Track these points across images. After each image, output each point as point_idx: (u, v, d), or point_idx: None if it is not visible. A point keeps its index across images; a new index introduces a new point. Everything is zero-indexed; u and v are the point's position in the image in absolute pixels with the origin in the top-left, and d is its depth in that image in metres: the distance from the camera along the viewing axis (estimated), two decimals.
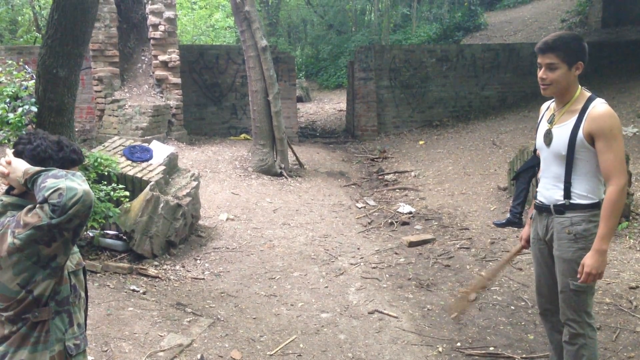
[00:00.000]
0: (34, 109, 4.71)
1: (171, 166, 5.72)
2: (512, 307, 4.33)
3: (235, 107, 10.81)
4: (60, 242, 1.79)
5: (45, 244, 1.78)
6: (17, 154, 1.95)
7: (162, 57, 9.05)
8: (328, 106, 16.61)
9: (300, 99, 16.04)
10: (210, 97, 10.71)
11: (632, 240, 5.39)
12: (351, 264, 5.26)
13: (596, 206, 2.75)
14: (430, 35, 19.00)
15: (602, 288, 4.53)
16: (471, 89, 12.01)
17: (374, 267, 5.19)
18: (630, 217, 5.77)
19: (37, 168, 1.86)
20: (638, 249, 5.24)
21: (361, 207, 7.17)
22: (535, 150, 6.09)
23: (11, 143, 4.83)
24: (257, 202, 6.87)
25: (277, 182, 7.85)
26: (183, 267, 4.90)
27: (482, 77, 12.03)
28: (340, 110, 15.00)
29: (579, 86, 2.83)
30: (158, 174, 5.35)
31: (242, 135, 10.45)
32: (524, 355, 3.61)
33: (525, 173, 6.02)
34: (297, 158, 8.82)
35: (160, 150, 5.74)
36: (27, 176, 1.83)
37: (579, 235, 2.75)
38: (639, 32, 13.38)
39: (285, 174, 8.12)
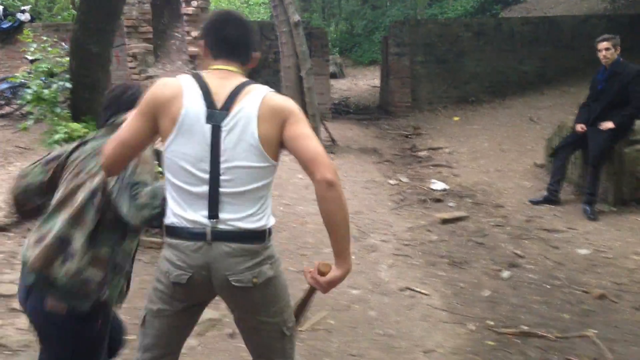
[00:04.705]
0: (69, 85, 4.78)
1: None
2: (547, 286, 4.25)
3: (268, 83, 10.68)
4: None
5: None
6: (115, 99, 2.24)
7: (195, 33, 9.05)
8: (362, 82, 16.47)
9: (334, 75, 15.91)
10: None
11: None
12: (383, 240, 5.22)
13: None
14: (468, 8, 18.54)
15: (634, 265, 4.40)
16: (508, 63, 11.68)
17: (405, 245, 5.14)
18: None
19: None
20: None
21: (394, 184, 7.10)
22: (574, 127, 5.95)
23: (48, 119, 4.91)
24: (288, 179, 6.86)
25: None
26: None
27: (520, 51, 11.69)
28: (374, 87, 14.83)
29: None
30: None
31: None
32: (557, 335, 3.54)
33: (564, 150, 5.90)
34: (329, 134, 8.77)
35: None
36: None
37: None
38: None
39: None
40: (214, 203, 1.87)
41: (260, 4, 23.53)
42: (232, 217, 1.87)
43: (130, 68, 8.80)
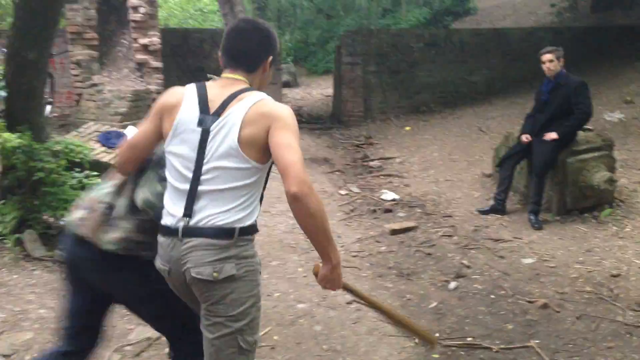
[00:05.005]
0: (3, 93, 4.58)
1: None
2: (493, 296, 4.27)
3: None
4: None
5: None
6: None
7: (142, 41, 8.85)
8: (315, 91, 16.46)
9: (287, 84, 15.86)
10: (194, 82, 10.48)
11: (615, 228, 5.34)
12: None
13: None
14: (420, 19, 18.80)
15: (583, 276, 4.48)
16: (459, 74, 11.86)
17: (354, 256, 5.10)
18: (614, 204, 5.72)
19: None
20: (620, 236, 5.18)
21: (344, 194, 7.07)
22: (519, 137, 6.04)
23: None
24: None
25: None
26: None
27: (470, 62, 11.88)
28: (328, 96, 14.83)
29: None
30: None
31: None
32: (502, 346, 3.55)
33: (510, 160, 5.98)
34: None
35: None
36: None
37: None
38: (628, 17, 13.30)
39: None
40: (190, 200, 1.99)
41: (215, 12, 23.29)
42: (206, 214, 1.97)
43: (74, 76, 8.53)
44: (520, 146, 5.89)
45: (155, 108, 2.15)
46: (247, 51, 2.13)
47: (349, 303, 4.12)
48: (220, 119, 2.00)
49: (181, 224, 1.98)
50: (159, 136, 2.12)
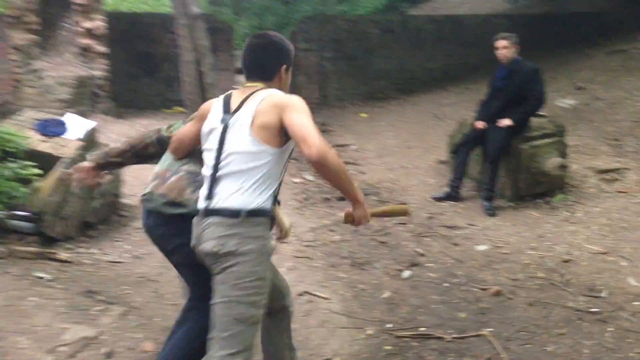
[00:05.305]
0: None
1: (91, 141, 5.31)
2: (446, 285, 4.22)
3: (171, 78, 10.25)
4: None
5: None
6: None
7: (86, 25, 8.44)
8: None
9: (241, 71, 15.56)
10: (144, 68, 10.16)
11: (566, 213, 5.36)
12: (283, 242, 5.02)
13: None
14: (377, 6, 18.70)
15: (535, 262, 4.47)
16: (415, 61, 11.78)
17: (307, 246, 4.98)
18: (566, 190, 5.75)
19: None
20: (572, 221, 5.21)
21: (298, 182, 6.93)
22: (474, 124, 6.00)
23: None
24: None
25: None
26: (100, 249, 4.55)
27: (426, 49, 11.83)
28: None
29: None
30: (74, 149, 4.94)
31: (176, 108, 9.94)
32: (454, 335, 3.48)
33: (464, 146, 5.94)
34: None
35: (79, 124, 5.32)
36: None
37: None
38: (582, 3, 13.47)
39: None
40: (212, 184, 2.24)
41: None
42: (221, 196, 2.21)
43: (14, 61, 8.09)
44: (475, 133, 5.85)
45: (198, 113, 2.51)
46: (260, 63, 2.41)
47: (302, 294, 4.00)
48: (237, 113, 2.27)
49: (203, 205, 2.24)
50: (199, 135, 2.42)
